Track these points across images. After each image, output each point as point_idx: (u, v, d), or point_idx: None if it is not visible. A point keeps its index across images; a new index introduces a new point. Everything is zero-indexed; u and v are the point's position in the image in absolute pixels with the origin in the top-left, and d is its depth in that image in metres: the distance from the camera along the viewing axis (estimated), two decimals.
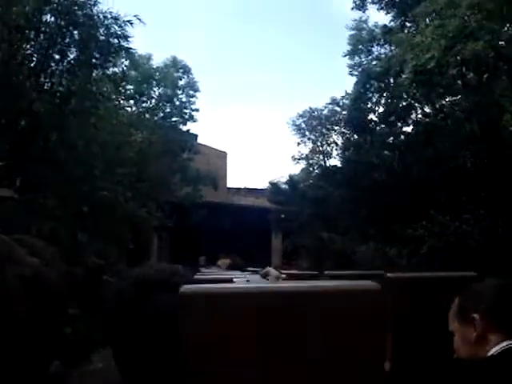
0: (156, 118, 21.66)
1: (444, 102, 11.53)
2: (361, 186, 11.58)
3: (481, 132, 9.41)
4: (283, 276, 3.28)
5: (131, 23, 12.16)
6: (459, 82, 10.97)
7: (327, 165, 19.05)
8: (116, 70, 14.39)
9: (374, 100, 14.71)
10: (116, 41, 12.19)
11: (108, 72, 13.29)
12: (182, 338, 0.91)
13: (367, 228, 11.23)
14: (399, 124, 12.77)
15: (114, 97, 16.82)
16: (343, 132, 19.19)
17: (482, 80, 10.95)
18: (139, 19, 12.32)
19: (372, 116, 13.80)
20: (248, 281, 2.69)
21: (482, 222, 8.57)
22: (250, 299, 0.89)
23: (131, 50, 13.55)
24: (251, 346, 0.86)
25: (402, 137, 12.43)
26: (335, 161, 20.28)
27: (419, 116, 12.47)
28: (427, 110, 12.10)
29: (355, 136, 13.28)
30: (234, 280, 2.61)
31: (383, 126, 12.93)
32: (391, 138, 12.37)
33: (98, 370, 8.87)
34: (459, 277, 1.82)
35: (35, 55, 11.79)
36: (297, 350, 0.85)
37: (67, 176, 12.68)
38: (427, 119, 11.82)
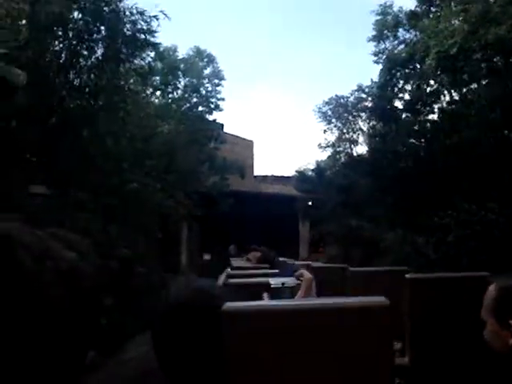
0: (182, 109, 21.75)
1: (469, 89, 11.46)
2: (387, 175, 11.58)
3: (506, 119, 9.37)
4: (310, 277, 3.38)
5: (157, 18, 12.26)
6: (484, 66, 10.87)
7: (353, 152, 19.04)
8: (142, 63, 14.57)
9: (400, 86, 14.66)
10: (142, 36, 12.33)
11: (134, 66, 13.46)
12: (225, 353, 0.98)
13: (394, 216, 11.26)
14: (425, 112, 12.72)
15: (140, 89, 17.00)
16: (369, 119, 19.14)
17: (508, 64, 10.85)
18: (165, 14, 12.43)
19: (398, 103, 13.78)
20: (283, 284, 2.80)
21: (507, 210, 8.56)
22: (281, 317, 0.94)
23: (157, 45, 13.71)
24: (282, 360, 0.91)
25: (428, 125, 12.38)
26: (362, 148, 20.27)
27: (444, 104, 12.43)
28: (453, 96, 12.04)
29: (381, 124, 13.24)
30: (271, 282, 2.73)
31: (409, 114, 12.89)
32: (416, 126, 12.34)
33: (132, 358, 9.13)
34: (472, 277, 1.89)
35: (64, 52, 11.99)
36: (316, 362, 0.89)
37: (97, 170, 12.93)
38: (453, 106, 11.77)
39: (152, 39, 12.72)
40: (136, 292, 11.92)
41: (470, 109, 10.37)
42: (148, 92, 20.49)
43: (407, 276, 2.33)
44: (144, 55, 14.67)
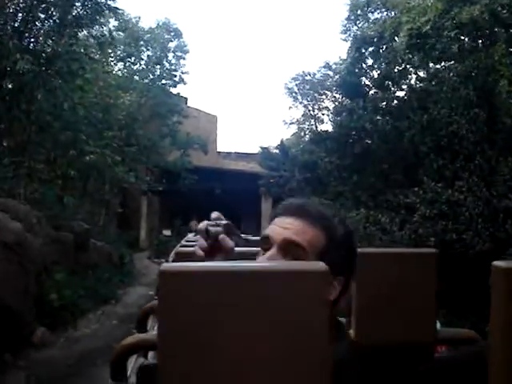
0: (145, 81, 21.23)
1: (439, 67, 11.28)
2: (352, 152, 11.33)
3: (477, 98, 9.19)
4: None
5: None
6: (454, 46, 10.69)
7: (319, 130, 18.83)
8: (103, 30, 14.05)
9: (369, 64, 14.43)
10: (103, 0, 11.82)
11: (95, 33, 12.95)
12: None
13: (359, 194, 11.03)
14: (393, 89, 12.51)
15: (101, 58, 16.47)
16: (335, 97, 18.99)
17: (478, 45, 10.71)
18: None
19: (366, 81, 13.52)
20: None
21: (476, 190, 8.44)
22: (221, 278, 0.87)
23: (118, 10, 13.21)
24: (219, 326, 0.85)
25: (396, 102, 12.18)
26: (327, 126, 20.13)
27: (413, 81, 12.23)
28: (422, 74, 11.85)
29: (347, 100, 12.96)
30: None
31: (377, 90, 12.66)
32: (384, 103, 12.12)
33: (84, 335, 8.82)
34: (418, 253, 1.68)
35: (19, 14, 11.43)
36: (254, 329, 0.83)
37: (54, 139, 12.46)
38: (421, 84, 11.57)
39: (113, 4, 12.20)
40: (91, 267, 11.56)
41: (440, 86, 10.16)
42: (110, 62, 19.98)
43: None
44: (104, 21, 14.18)
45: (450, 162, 9.21)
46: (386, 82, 12.23)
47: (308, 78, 19.13)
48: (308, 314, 0.82)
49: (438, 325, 2.25)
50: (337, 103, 17.73)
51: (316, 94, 19.33)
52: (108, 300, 11.05)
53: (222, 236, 1.38)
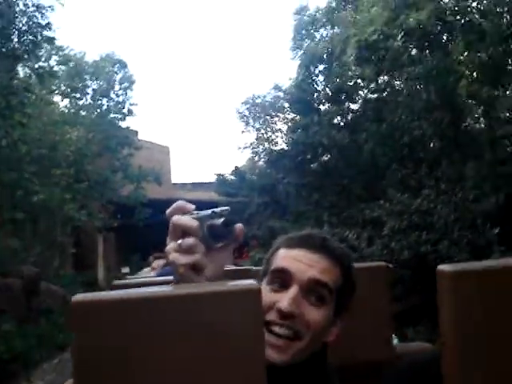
0: (93, 116, 20.68)
1: (392, 75, 11.09)
2: (310, 170, 10.97)
3: (439, 100, 8.93)
4: None
5: (52, 9, 11.29)
6: (405, 55, 10.52)
7: (273, 150, 18.61)
8: (42, 64, 13.56)
9: (319, 82, 14.29)
10: (39, 29, 11.32)
11: (33, 66, 12.44)
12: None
13: (320, 213, 10.61)
14: (347, 104, 12.26)
15: (42, 93, 15.89)
16: (287, 118, 18.80)
17: (423, 53, 10.57)
18: (61, 3, 11.46)
19: (319, 96, 13.27)
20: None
21: (444, 197, 8.11)
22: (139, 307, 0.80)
23: (55, 40, 12.71)
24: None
25: (351, 115, 11.93)
26: (281, 147, 19.92)
27: (366, 93, 11.99)
28: (374, 85, 11.61)
29: (301, 118, 12.65)
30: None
31: (330, 105, 12.41)
32: (339, 117, 11.85)
33: None
34: (367, 268, 1.76)
35: None
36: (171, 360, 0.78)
37: None
38: (375, 95, 11.34)
39: (49, 34, 11.70)
40: (44, 312, 10.86)
41: (395, 94, 9.91)
42: (55, 99, 19.44)
43: None
44: (45, 55, 13.72)
45: (413, 172, 8.90)
46: (339, 96, 11.98)
47: (258, 100, 18.90)
48: (240, 339, 0.80)
49: (396, 341, 2.30)
50: (289, 124, 17.54)
51: (268, 117, 19.10)
52: (65, 347, 10.31)
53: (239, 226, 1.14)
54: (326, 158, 10.72)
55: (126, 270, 22.76)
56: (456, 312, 0.85)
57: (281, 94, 18.44)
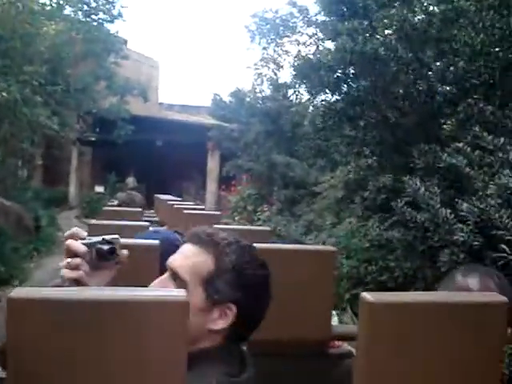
0: (79, 12, 18.22)
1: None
2: (357, 89, 8.60)
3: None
4: None
5: None
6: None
7: (278, 77, 16.48)
8: None
9: None
10: None
11: None
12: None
13: (353, 152, 8.25)
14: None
15: None
16: (298, 40, 16.65)
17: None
18: None
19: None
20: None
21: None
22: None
23: None
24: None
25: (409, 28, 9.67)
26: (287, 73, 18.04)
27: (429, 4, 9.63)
28: None
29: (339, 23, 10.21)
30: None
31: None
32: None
33: None
34: (316, 251, 1.91)
35: None
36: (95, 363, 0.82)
37: None
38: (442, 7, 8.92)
39: None
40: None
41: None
42: None
43: None
44: None
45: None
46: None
47: (269, 15, 16.57)
48: (163, 349, 0.82)
49: (336, 320, 2.51)
50: (302, 45, 15.38)
51: (277, 37, 16.89)
52: (10, 280, 8.37)
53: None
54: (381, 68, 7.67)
55: (100, 189, 20.97)
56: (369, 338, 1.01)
57: (294, 11, 16.15)
